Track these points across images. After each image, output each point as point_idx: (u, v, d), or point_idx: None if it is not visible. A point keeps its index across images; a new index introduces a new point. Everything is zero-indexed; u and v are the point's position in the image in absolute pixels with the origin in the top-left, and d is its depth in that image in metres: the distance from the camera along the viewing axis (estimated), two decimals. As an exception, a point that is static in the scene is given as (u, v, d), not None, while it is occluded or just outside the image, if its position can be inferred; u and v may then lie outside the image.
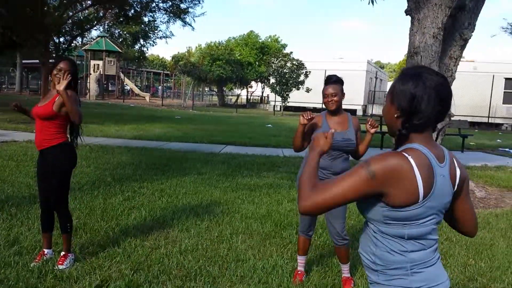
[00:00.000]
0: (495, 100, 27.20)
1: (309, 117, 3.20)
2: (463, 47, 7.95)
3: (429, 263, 1.48)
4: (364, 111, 33.99)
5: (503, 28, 23.78)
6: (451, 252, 4.33)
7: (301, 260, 3.58)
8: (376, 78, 38.87)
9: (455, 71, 8.00)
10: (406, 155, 1.41)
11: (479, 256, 4.26)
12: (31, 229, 4.29)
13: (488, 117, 27.15)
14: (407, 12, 7.75)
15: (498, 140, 17.60)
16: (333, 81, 3.37)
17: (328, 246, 4.32)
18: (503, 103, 27.66)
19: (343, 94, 3.36)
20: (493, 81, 26.79)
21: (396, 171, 1.37)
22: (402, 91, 1.48)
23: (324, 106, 3.40)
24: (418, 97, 1.44)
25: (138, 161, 8.31)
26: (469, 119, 19.64)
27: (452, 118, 8.09)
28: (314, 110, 32.72)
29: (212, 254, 3.96)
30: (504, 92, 27.65)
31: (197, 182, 6.86)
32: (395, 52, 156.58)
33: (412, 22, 7.59)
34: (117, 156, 8.78)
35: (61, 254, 3.57)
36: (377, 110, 33.31)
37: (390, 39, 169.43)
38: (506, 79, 27.39)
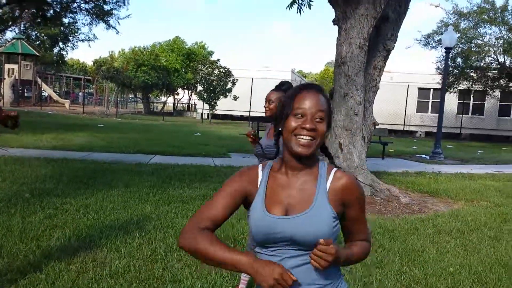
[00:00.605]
0: (410, 108, 29.07)
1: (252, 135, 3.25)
2: (386, 57, 8.35)
3: None
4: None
5: (417, 40, 25.52)
6: (385, 260, 4.45)
7: (244, 277, 3.48)
8: (301, 86, 39.92)
9: (379, 81, 8.38)
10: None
11: (412, 263, 4.41)
12: None
13: (404, 124, 28.92)
14: (334, 21, 7.98)
15: (414, 147, 18.77)
16: (277, 87, 3.34)
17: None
18: (417, 112, 29.64)
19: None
20: (407, 90, 28.61)
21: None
22: (331, 109, 1.57)
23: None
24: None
25: (59, 174, 7.75)
26: (387, 127, 20.79)
27: (376, 127, 8.44)
28: (241, 118, 32.91)
29: (146, 276, 3.73)
30: (418, 101, 29.66)
31: (125, 195, 6.52)
32: (315, 62, 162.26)
33: (339, 32, 7.84)
34: (35, 168, 8.14)
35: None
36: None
37: (311, 49, 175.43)
38: (419, 88, 29.40)
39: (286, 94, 1.53)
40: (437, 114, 15.09)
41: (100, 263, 3.96)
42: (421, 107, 29.65)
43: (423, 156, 15.08)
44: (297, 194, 1.47)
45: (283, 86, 3.31)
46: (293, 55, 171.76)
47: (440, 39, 19.15)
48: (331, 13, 7.93)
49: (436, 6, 24.88)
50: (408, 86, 28.62)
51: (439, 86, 21.50)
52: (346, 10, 7.53)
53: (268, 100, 3.29)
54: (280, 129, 1.51)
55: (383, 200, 7.22)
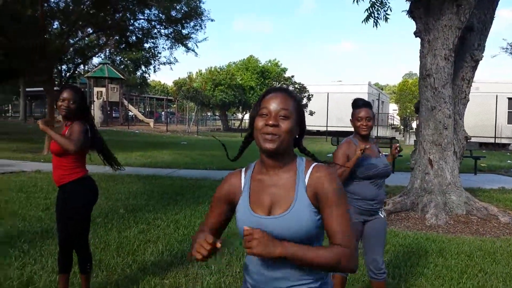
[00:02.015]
0: (500, 120, 27.12)
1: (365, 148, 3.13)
2: (474, 68, 7.89)
3: None
4: (369, 133, 33.92)
5: (503, 49, 23.88)
6: (488, 285, 4.11)
7: None
8: (378, 100, 38.94)
9: (469, 93, 7.92)
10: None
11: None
12: (45, 267, 4.09)
13: (495, 137, 27.01)
14: (416, 34, 7.70)
15: (509, 161, 17.40)
16: (364, 104, 3.26)
17: (358, 281, 4.11)
18: (508, 123, 27.57)
19: (373, 119, 3.28)
20: (496, 101, 26.76)
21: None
22: (302, 109, 1.61)
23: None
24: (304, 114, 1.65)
25: (150, 190, 8.14)
26: (476, 140, 19.53)
27: (468, 141, 7.93)
28: (318, 133, 32.65)
29: (239, 293, 3.75)
30: (509, 111, 27.61)
31: (211, 212, 6.67)
32: (392, 73, 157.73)
33: (422, 44, 7.54)
34: (127, 185, 8.62)
35: (80, 297, 3.38)
36: (381, 132, 33.22)
37: (386, 61, 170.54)
38: (509, 98, 27.39)
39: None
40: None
41: (192, 278, 4.05)
42: (513, 118, 27.59)
43: (519, 171, 13.93)
44: (279, 192, 1.51)
45: (360, 102, 3.27)
46: (368, 68, 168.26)
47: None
48: (408, 23, 7.68)
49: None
50: (496, 96, 26.77)
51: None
52: (428, 22, 7.23)
53: (363, 117, 3.21)
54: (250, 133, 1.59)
55: (480, 219, 6.72)
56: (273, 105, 1.50)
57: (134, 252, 4.67)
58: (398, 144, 3.30)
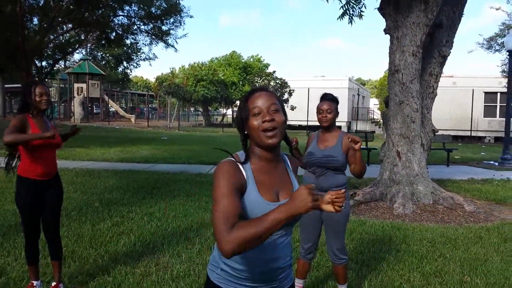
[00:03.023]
0: (476, 114, 27.72)
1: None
2: (442, 64, 8.14)
3: None
4: (349, 127, 34.28)
5: (479, 44, 24.40)
6: (446, 269, 4.34)
7: (298, 283, 3.55)
8: (359, 95, 39.36)
9: (436, 87, 8.16)
10: None
11: (474, 272, 4.27)
12: (18, 259, 4.19)
13: (471, 130, 27.60)
14: (385, 31, 7.92)
15: (482, 153, 17.88)
16: (328, 98, 3.42)
17: (323, 267, 4.30)
18: (484, 117, 28.20)
19: (337, 113, 3.40)
20: (473, 95, 27.32)
21: None
22: (284, 106, 1.74)
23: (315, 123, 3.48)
24: None
25: (126, 185, 8.22)
26: (452, 133, 19.93)
27: (436, 133, 8.19)
28: (299, 127, 32.93)
29: (205, 280, 3.89)
30: (484, 105, 28.22)
31: (186, 204, 6.81)
32: (375, 69, 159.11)
33: (391, 41, 7.76)
34: (104, 180, 8.68)
35: (52, 285, 3.49)
36: (361, 126, 33.66)
37: (369, 56, 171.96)
38: (486, 93, 27.98)
39: (240, 100, 1.74)
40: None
41: (163, 267, 4.19)
42: (489, 112, 28.18)
43: (491, 162, 14.35)
44: (280, 181, 1.69)
45: (327, 96, 3.42)
46: (351, 64, 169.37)
47: (503, 42, 18.21)
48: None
49: (497, 9, 23.77)
50: (473, 90, 27.34)
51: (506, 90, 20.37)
52: (397, 19, 7.45)
53: (324, 110, 3.35)
54: (246, 132, 1.66)
55: (446, 208, 6.99)
56: (262, 102, 1.62)
57: (107, 244, 4.78)
58: (350, 134, 3.38)
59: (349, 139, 3.19)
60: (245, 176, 1.61)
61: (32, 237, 3.46)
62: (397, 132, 7.42)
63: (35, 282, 3.53)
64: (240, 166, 1.63)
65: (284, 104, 25.35)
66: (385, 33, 7.81)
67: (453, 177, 10.34)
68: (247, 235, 1.35)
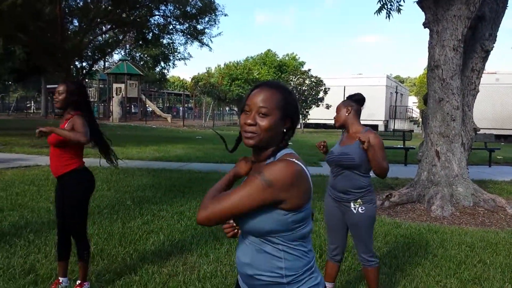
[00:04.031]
0: (521, 112, 26.51)
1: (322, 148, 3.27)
2: (485, 59, 7.75)
3: None
4: (386, 126, 33.57)
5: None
6: (485, 275, 4.08)
7: (328, 286, 3.42)
8: (397, 92, 38.45)
9: (478, 84, 7.79)
10: (293, 159, 1.49)
11: (515, 280, 4.00)
12: (48, 256, 4.23)
13: (515, 129, 26.43)
14: (425, 24, 7.61)
15: (527, 153, 17.05)
16: (348, 97, 3.34)
17: (354, 270, 4.14)
18: (530, 115, 26.93)
19: (346, 110, 3.26)
20: (517, 92, 26.14)
21: (293, 175, 1.43)
22: (292, 103, 1.57)
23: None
24: (298, 106, 1.64)
25: (158, 183, 8.27)
26: (495, 132, 19.09)
27: (478, 132, 7.82)
28: (334, 126, 32.44)
29: (232, 281, 3.82)
30: (530, 103, 26.95)
31: (216, 203, 6.74)
32: (414, 66, 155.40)
33: (430, 35, 7.44)
34: (137, 178, 8.77)
35: (77, 283, 3.49)
36: (399, 125, 32.85)
37: (408, 53, 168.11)
38: (531, 90, 26.72)
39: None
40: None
41: (190, 267, 4.13)
42: (534, 110, 26.91)
43: (537, 163, 13.64)
44: None
45: (354, 97, 3.30)
46: (389, 61, 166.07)
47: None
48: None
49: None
50: (517, 87, 26.16)
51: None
52: (437, 12, 7.14)
53: (336, 110, 3.32)
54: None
55: (487, 211, 6.64)
56: (254, 101, 1.51)
57: (136, 242, 4.78)
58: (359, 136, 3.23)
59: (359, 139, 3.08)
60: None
61: (58, 231, 3.52)
62: (436, 131, 7.12)
63: (61, 279, 3.55)
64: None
65: (319, 103, 24.94)
66: (424, 27, 7.51)
67: (495, 178, 9.86)
68: (212, 203, 1.46)
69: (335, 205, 3.29)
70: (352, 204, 3.17)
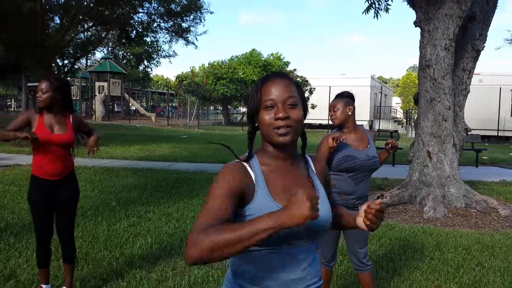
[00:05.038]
0: (503, 113, 26.86)
1: (340, 141, 2.91)
2: (476, 58, 7.71)
3: None
4: (371, 126, 33.71)
5: (507, 40, 23.53)
6: (485, 280, 3.97)
7: None
8: (381, 93, 38.69)
9: (469, 84, 7.74)
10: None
11: (516, 284, 3.90)
12: (29, 260, 3.99)
13: (498, 130, 26.76)
14: (416, 23, 7.52)
15: (511, 154, 17.21)
16: (338, 96, 3.17)
17: (351, 274, 3.99)
18: (511, 116, 27.32)
19: (347, 110, 3.08)
20: (500, 93, 26.47)
21: None
22: (303, 92, 1.48)
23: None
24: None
25: (144, 183, 8.03)
26: (479, 132, 19.25)
27: (469, 133, 7.78)
28: (320, 126, 32.49)
29: (225, 287, 3.63)
30: (512, 104, 27.35)
31: (205, 205, 6.55)
32: (396, 66, 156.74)
33: (422, 34, 7.36)
34: (122, 178, 8.51)
35: (62, 290, 3.28)
36: (383, 125, 33.03)
37: (391, 54, 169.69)
38: (513, 91, 27.10)
39: (252, 87, 1.42)
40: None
41: (180, 272, 3.94)
42: (517, 111, 27.28)
43: (522, 164, 13.75)
44: (297, 181, 1.42)
45: (347, 96, 3.14)
46: (372, 62, 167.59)
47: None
48: (413, 15, 7.50)
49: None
50: (500, 88, 26.46)
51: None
52: (429, 11, 7.05)
53: (333, 107, 3.09)
54: (256, 124, 1.43)
55: (479, 212, 6.58)
56: (278, 94, 1.35)
57: (123, 246, 4.57)
58: (391, 140, 3.09)
59: (390, 145, 3.02)
60: (253, 178, 1.37)
61: (43, 238, 3.28)
62: (427, 131, 7.03)
63: (44, 286, 3.33)
64: (248, 168, 1.39)
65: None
66: (415, 26, 7.43)
67: (483, 178, 9.86)
68: (219, 239, 1.10)
69: None
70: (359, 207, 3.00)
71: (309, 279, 1.39)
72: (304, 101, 1.44)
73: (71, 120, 3.30)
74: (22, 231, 4.86)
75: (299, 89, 1.43)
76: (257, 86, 1.40)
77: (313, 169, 1.51)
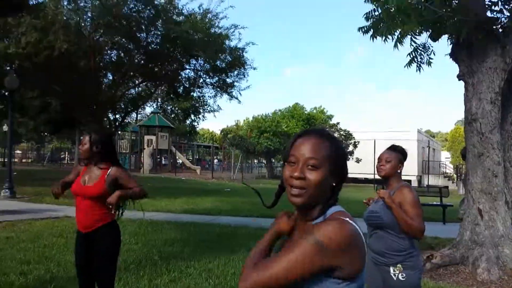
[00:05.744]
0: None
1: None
2: (523, 112, 7.46)
3: None
4: (419, 181, 32.71)
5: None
6: None
7: None
8: (429, 147, 37.77)
9: (520, 138, 7.45)
10: (347, 219, 1.30)
11: None
12: (72, 314, 4.05)
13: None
14: (459, 77, 7.43)
15: None
16: (391, 148, 3.13)
17: None
18: None
19: (397, 164, 3.04)
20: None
21: (349, 237, 1.24)
22: (342, 154, 1.43)
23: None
24: (346, 158, 1.46)
25: (187, 237, 8.08)
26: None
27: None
28: (366, 181, 31.84)
29: None
30: None
31: (246, 261, 6.48)
32: (444, 120, 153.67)
33: (466, 88, 7.24)
34: (165, 232, 8.61)
35: None
36: (433, 180, 31.96)
37: (438, 108, 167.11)
38: None
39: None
40: None
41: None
42: None
43: None
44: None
45: (401, 151, 3.11)
46: (419, 115, 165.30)
47: None
48: (456, 68, 7.43)
49: None
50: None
51: None
52: (472, 64, 6.98)
53: (385, 159, 3.05)
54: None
55: (537, 275, 6.12)
56: (302, 152, 1.35)
57: (163, 302, 4.56)
58: (379, 190, 3.01)
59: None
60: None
61: None
62: (477, 188, 6.76)
63: None
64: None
65: (349, 157, 24.82)
66: (459, 79, 7.34)
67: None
68: (256, 275, 1.27)
69: (375, 268, 3.02)
70: (391, 269, 2.87)
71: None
72: (341, 162, 1.41)
73: (108, 173, 3.32)
74: (67, 284, 4.96)
75: (333, 148, 1.38)
76: (292, 139, 1.43)
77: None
